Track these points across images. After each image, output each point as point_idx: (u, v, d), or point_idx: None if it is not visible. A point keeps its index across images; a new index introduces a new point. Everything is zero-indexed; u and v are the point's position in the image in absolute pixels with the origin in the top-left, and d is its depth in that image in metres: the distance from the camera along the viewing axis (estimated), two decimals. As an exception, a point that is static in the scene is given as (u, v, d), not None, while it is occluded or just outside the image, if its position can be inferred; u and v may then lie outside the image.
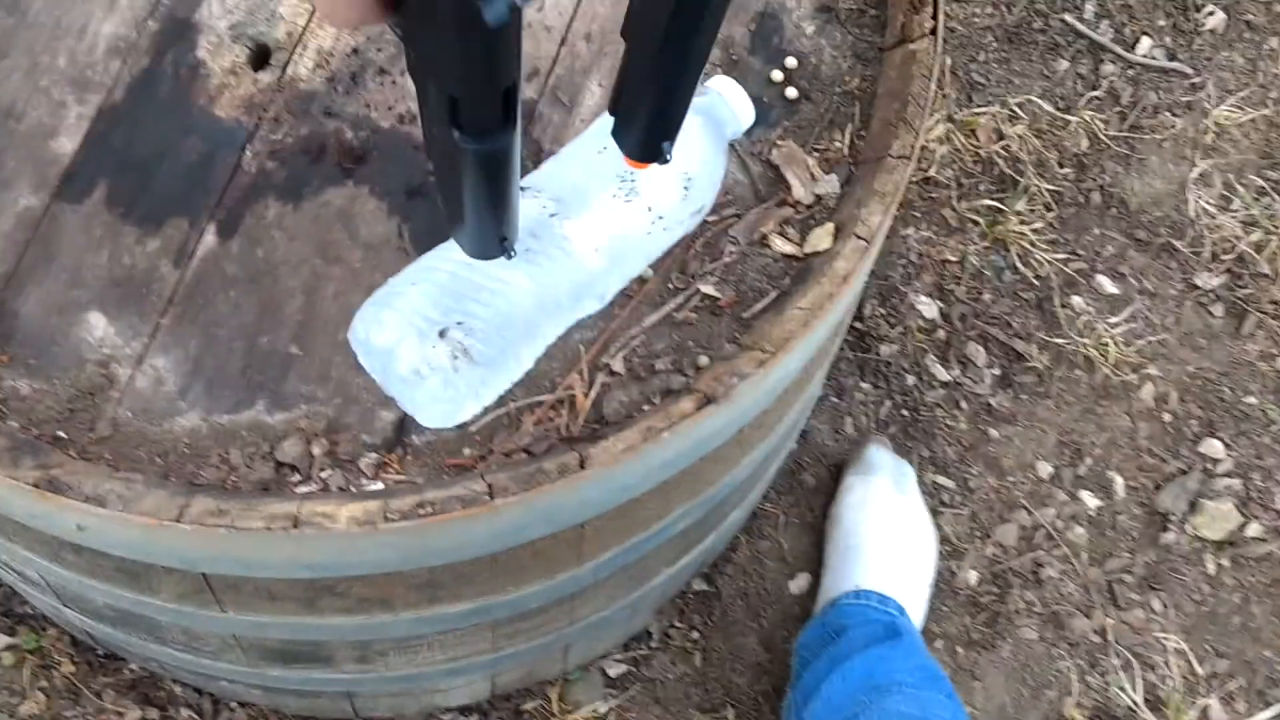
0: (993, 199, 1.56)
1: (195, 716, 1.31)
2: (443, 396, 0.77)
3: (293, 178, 0.85)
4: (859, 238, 0.84)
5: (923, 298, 1.57)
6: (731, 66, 0.91)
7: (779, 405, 0.92)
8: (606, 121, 0.82)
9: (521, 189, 0.82)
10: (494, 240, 0.61)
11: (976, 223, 1.55)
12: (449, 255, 0.80)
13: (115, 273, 0.81)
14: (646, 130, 0.61)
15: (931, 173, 1.57)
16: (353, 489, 0.79)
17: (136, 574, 0.85)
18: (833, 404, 1.48)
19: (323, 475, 0.79)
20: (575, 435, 0.81)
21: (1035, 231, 1.55)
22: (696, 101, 0.84)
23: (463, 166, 0.53)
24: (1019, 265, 1.54)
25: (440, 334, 0.75)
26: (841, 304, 0.85)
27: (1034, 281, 1.53)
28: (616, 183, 0.81)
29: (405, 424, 0.81)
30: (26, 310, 0.80)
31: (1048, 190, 1.56)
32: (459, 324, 0.76)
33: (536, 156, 0.87)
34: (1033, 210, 1.56)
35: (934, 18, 0.90)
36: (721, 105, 0.85)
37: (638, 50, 0.57)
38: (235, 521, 0.74)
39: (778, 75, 0.92)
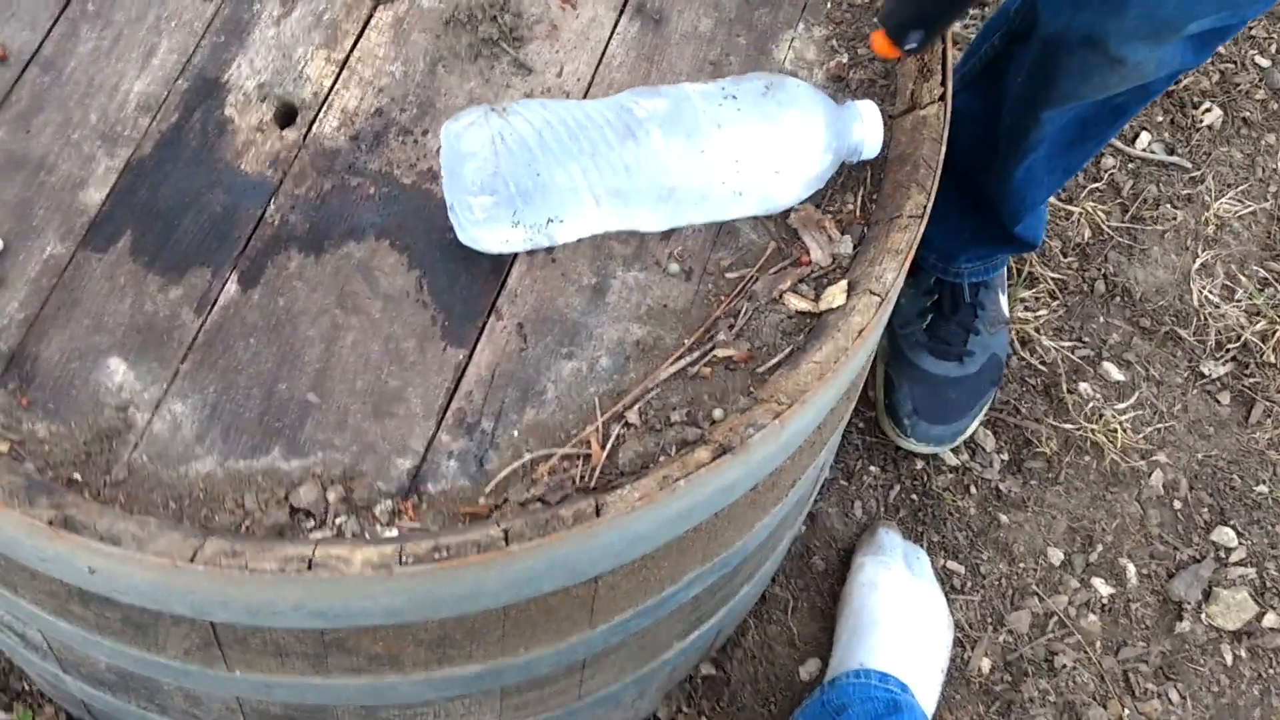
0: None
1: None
2: (480, 225, 0.83)
3: (315, 230, 0.87)
4: (873, 294, 0.85)
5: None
6: (746, 132, 0.94)
7: (792, 464, 0.92)
8: (755, 73, 0.89)
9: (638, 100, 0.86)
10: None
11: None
12: (554, 102, 0.86)
13: (137, 320, 0.83)
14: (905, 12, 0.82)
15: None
16: (367, 535, 0.79)
17: (144, 627, 0.84)
18: (841, 487, 1.48)
19: (338, 521, 0.79)
20: (591, 485, 0.82)
21: (1041, 319, 1.57)
22: (832, 108, 0.88)
23: None
24: (1025, 352, 1.56)
25: (508, 186, 0.81)
26: (856, 359, 0.86)
27: (1041, 368, 1.55)
28: (726, 162, 0.85)
29: (421, 472, 0.81)
30: (48, 355, 0.81)
31: (1052, 278, 1.59)
32: (521, 139, 0.82)
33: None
34: (1038, 298, 1.58)
35: (943, 84, 0.93)
36: (855, 124, 0.88)
37: None
38: (249, 563, 0.73)
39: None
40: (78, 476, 0.78)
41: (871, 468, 1.50)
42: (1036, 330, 1.56)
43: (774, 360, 0.86)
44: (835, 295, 0.87)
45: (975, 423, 1.48)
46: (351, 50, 0.93)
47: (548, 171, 0.82)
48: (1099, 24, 1.04)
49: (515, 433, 0.83)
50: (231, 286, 0.84)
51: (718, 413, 0.84)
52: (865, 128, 0.88)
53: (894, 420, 1.46)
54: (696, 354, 0.87)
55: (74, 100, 0.89)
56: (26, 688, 1.29)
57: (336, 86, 0.91)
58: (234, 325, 0.83)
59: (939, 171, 0.90)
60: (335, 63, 0.92)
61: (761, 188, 0.87)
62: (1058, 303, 1.58)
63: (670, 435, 0.83)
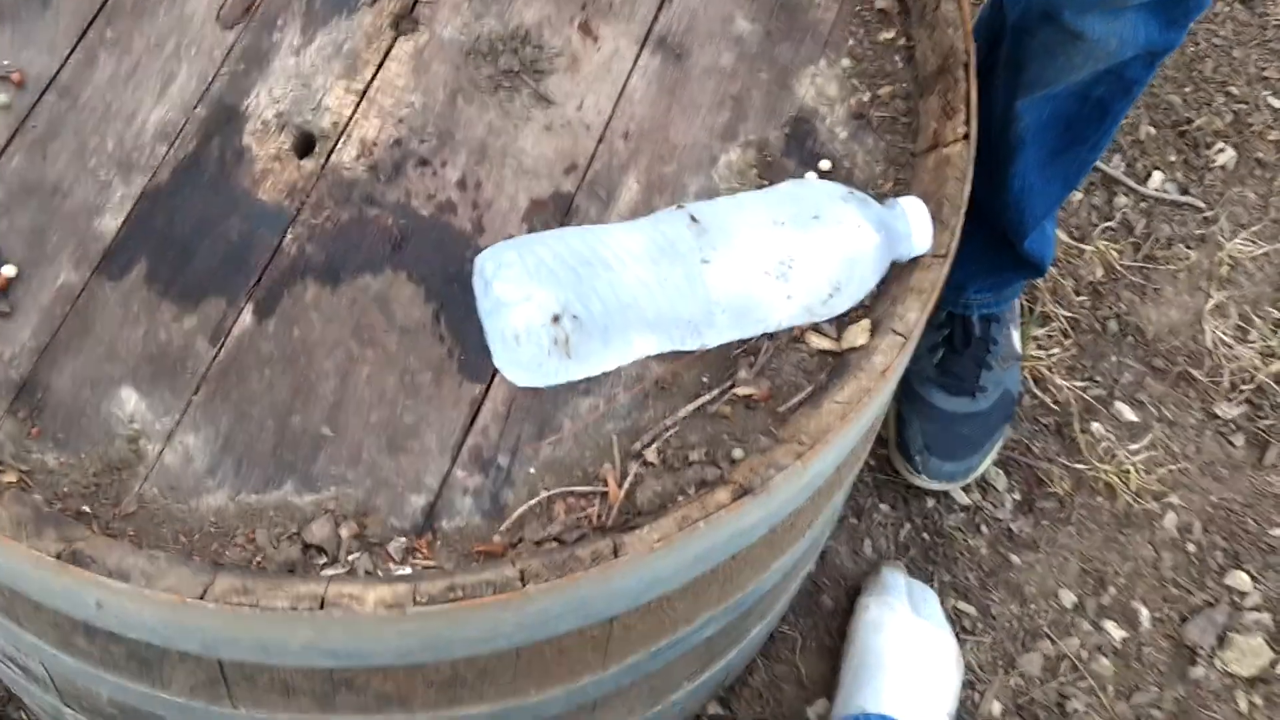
0: (1011, 324, 1.58)
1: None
2: (525, 365, 0.80)
3: (332, 261, 0.86)
4: (896, 333, 0.85)
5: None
6: (766, 168, 0.94)
7: (810, 505, 0.91)
8: (798, 190, 0.86)
9: (680, 205, 0.85)
10: None
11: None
12: (590, 230, 0.83)
13: (150, 349, 0.82)
14: None
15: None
16: (380, 573, 0.78)
17: (149, 662, 0.83)
18: (851, 524, 1.47)
19: (350, 558, 0.78)
20: (609, 525, 0.81)
21: (1054, 357, 1.56)
22: (881, 213, 0.85)
23: None
24: (1038, 390, 1.55)
25: (554, 318, 0.78)
26: (879, 399, 0.85)
27: (1053, 407, 1.54)
28: (775, 260, 0.82)
29: (435, 509, 0.81)
30: (59, 384, 0.80)
31: (1065, 317, 1.58)
32: (574, 317, 0.79)
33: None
34: (1050, 336, 1.58)
35: (966, 122, 0.92)
36: (902, 223, 0.85)
37: None
38: (260, 601, 0.72)
39: (812, 178, 0.94)
40: (87, 509, 0.77)
41: (882, 505, 1.49)
42: (1049, 369, 1.56)
43: (795, 399, 0.85)
44: (857, 334, 0.87)
45: (987, 460, 1.47)
46: (371, 80, 0.92)
47: (597, 311, 0.80)
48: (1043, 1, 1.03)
49: (531, 469, 0.83)
50: (247, 317, 0.84)
51: (738, 452, 0.84)
52: (910, 228, 0.86)
53: (905, 457, 1.45)
54: (716, 392, 0.86)
55: (91, 126, 0.89)
56: (24, 718, 1.27)
57: (355, 116, 0.91)
58: (248, 356, 0.82)
59: (964, 209, 0.89)
60: (355, 93, 0.92)
61: (816, 307, 0.85)
62: (1070, 341, 1.58)
63: (689, 475, 0.82)
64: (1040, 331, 1.57)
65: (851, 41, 1.00)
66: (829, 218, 0.83)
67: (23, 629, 0.86)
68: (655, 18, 0.98)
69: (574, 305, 0.79)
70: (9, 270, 0.82)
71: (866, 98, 0.98)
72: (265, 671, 0.82)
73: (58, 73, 0.91)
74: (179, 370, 0.81)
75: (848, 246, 0.83)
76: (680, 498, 0.81)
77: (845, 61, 0.99)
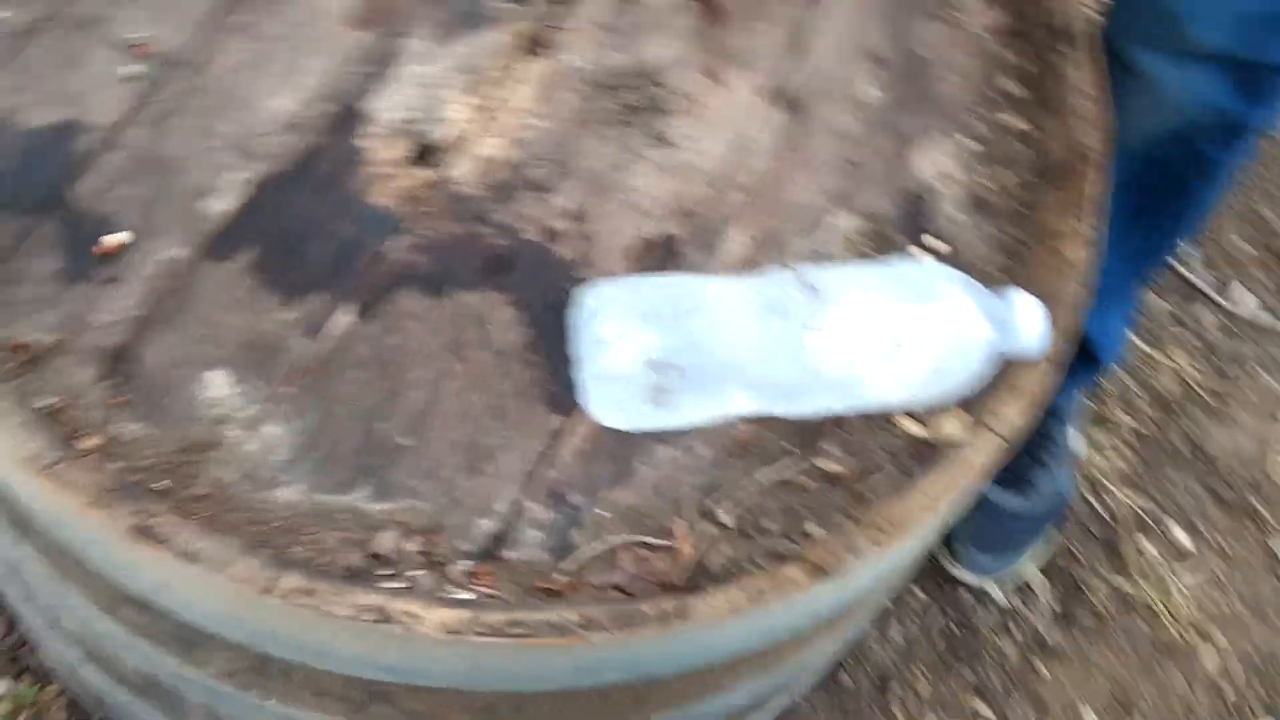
0: (1076, 426, 1.56)
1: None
2: (615, 406, 0.79)
3: (436, 273, 0.86)
4: (994, 431, 0.83)
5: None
6: (876, 239, 0.93)
7: (875, 592, 0.90)
8: (914, 269, 0.84)
9: (793, 267, 0.84)
10: None
11: (1055, 447, 1.55)
12: (697, 279, 0.82)
13: (247, 336, 0.82)
14: None
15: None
16: (440, 594, 0.77)
17: (191, 643, 0.83)
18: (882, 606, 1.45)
19: (412, 574, 0.78)
20: (675, 583, 0.80)
21: (1112, 465, 1.54)
22: (995, 305, 0.83)
23: None
24: (1091, 497, 1.53)
25: (654, 365, 0.76)
26: (964, 496, 0.84)
27: (1105, 517, 1.52)
28: (883, 336, 0.81)
29: (503, 537, 0.80)
30: (152, 357, 0.80)
31: (1130, 427, 1.57)
32: (674, 366, 0.77)
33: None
34: (1113, 445, 1.56)
35: (1093, 227, 0.91)
36: (1016, 319, 0.83)
37: None
38: (322, 604, 0.72)
39: (923, 256, 0.93)
40: (162, 485, 0.77)
41: (917, 591, 1.47)
42: (1105, 476, 1.54)
43: (880, 483, 0.84)
44: (954, 426, 0.85)
45: (1027, 559, 1.45)
46: (496, 98, 0.93)
47: (696, 363, 0.80)
48: (1109, 23, 0.99)
49: (603, 512, 0.82)
50: (346, 317, 0.83)
51: (814, 528, 0.82)
52: (1028, 329, 0.84)
53: (946, 544, 1.44)
54: (799, 461, 0.85)
55: (214, 108, 0.89)
56: (36, 664, 1.27)
57: (475, 132, 0.91)
58: (343, 356, 0.82)
59: (1080, 319, 0.88)
60: (477, 109, 0.92)
61: (920, 391, 0.84)
62: (1132, 453, 1.56)
63: (762, 545, 0.81)
64: (1103, 437, 1.55)
65: (978, 122, 1.00)
66: (943, 302, 0.82)
67: (67, 587, 0.86)
68: (783, 71, 0.98)
69: (676, 354, 0.78)
70: (121, 236, 0.82)
71: (987, 182, 0.97)
72: (304, 670, 0.82)
73: (189, 51, 0.92)
74: (273, 361, 0.81)
75: (959, 335, 0.82)
76: (750, 567, 0.80)
77: (970, 142, 0.99)
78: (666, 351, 0.78)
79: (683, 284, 0.82)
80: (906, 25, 1.02)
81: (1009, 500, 1.42)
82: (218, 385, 0.80)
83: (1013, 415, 0.84)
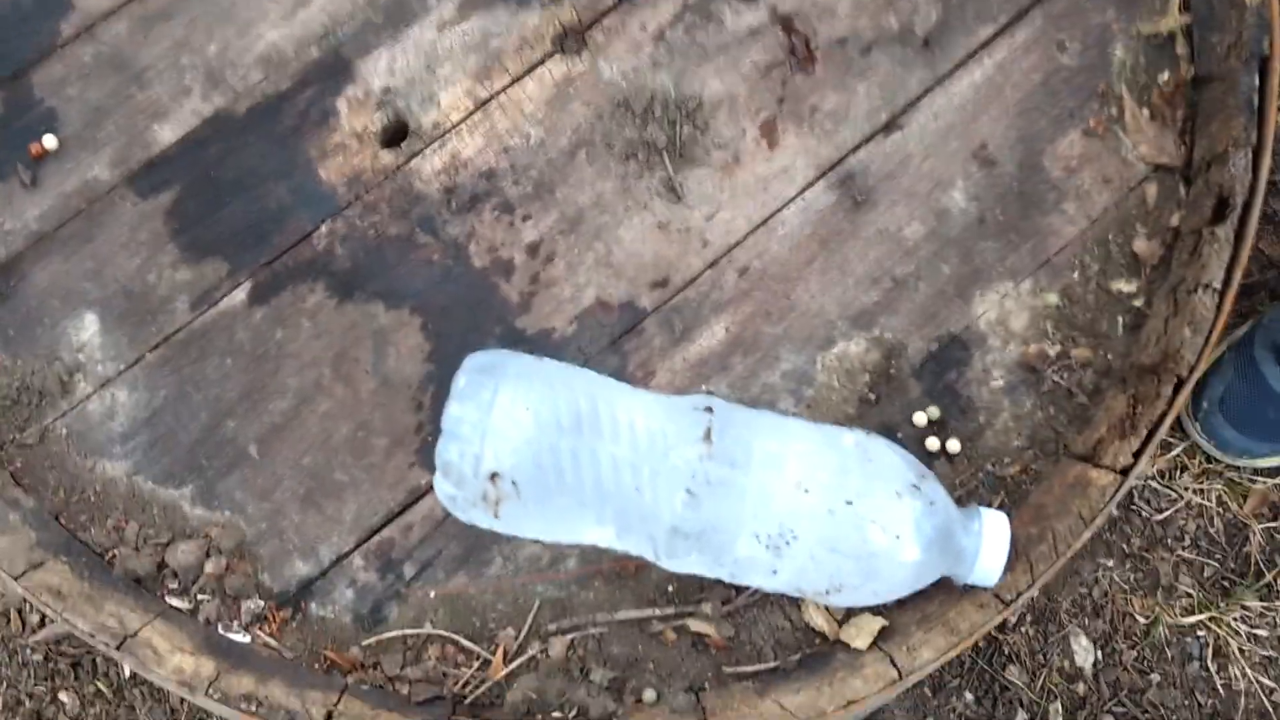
0: (1225, 578, 1.32)
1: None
2: (447, 490, 0.70)
3: (351, 273, 0.77)
4: (893, 662, 0.69)
5: (1083, 640, 1.35)
6: (882, 380, 0.77)
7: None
8: (859, 452, 0.70)
9: (710, 394, 0.74)
10: None
11: (1190, 594, 1.32)
12: (607, 386, 0.72)
13: (132, 285, 0.76)
14: None
15: (1171, 514, 1.35)
16: (219, 627, 0.71)
17: None
18: (923, 696, 1.30)
19: (199, 597, 0.72)
20: (466, 699, 0.71)
21: (1252, 638, 1.30)
22: (947, 524, 0.69)
23: None
24: (1213, 665, 1.30)
25: (492, 476, 0.67)
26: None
27: (1220, 690, 1.29)
28: (772, 525, 0.68)
29: (314, 587, 0.73)
30: (35, 278, 0.77)
31: (1282, 608, 1.31)
32: (513, 483, 0.67)
33: (618, 373, 0.76)
34: (1263, 614, 1.31)
35: (1135, 455, 0.72)
36: (973, 542, 0.69)
37: None
38: (63, 612, 0.67)
39: (921, 419, 0.77)
40: (-7, 419, 0.74)
41: (966, 693, 1.31)
42: (1240, 650, 1.30)
43: (748, 668, 0.71)
44: (860, 635, 0.71)
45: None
46: (500, 92, 0.81)
47: (554, 484, 0.68)
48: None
49: (431, 594, 0.73)
50: (239, 295, 0.77)
51: (649, 694, 0.71)
52: (985, 556, 0.69)
53: (1192, 402, 1.26)
54: (670, 611, 0.73)
55: (204, 22, 0.81)
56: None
57: (461, 125, 0.80)
58: (219, 337, 0.76)
59: (1064, 559, 0.70)
60: (475, 98, 0.81)
61: (811, 595, 0.70)
62: None
63: (578, 694, 0.70)
64: (1253, 601, 1.31)
65: (1076, 274, 0.80)
66: (867, 510, 0.66)
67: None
68: (857, 148, 0.81)
69: (522, 472, 0.67)
70: (50, 142, 0.78)
71: (1052, 352, 0.79)
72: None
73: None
74: (147, 320, 0.76)
75: (871, 553, 0.67)
76: (551, 712, 0.70)
77: (1053, 296, 0.80)
78: (513, 468, 0.67)
79: (589, 390, 0.70)
80: (1041, 125, 0.82)
81: None
82: (86, 330, 0.76)
83: (925, 653, 0.69)
